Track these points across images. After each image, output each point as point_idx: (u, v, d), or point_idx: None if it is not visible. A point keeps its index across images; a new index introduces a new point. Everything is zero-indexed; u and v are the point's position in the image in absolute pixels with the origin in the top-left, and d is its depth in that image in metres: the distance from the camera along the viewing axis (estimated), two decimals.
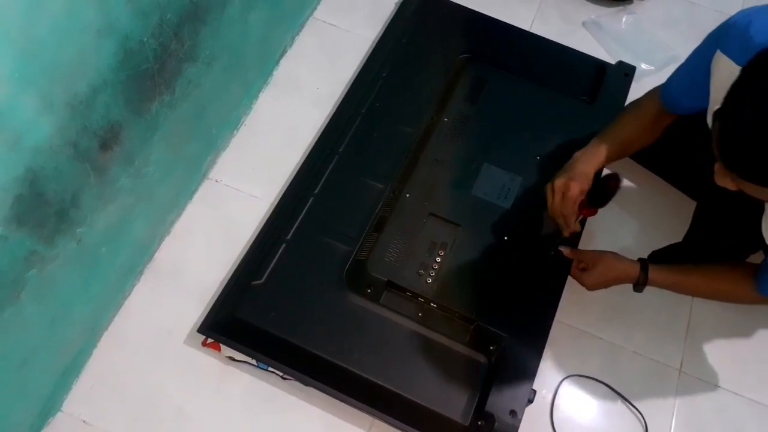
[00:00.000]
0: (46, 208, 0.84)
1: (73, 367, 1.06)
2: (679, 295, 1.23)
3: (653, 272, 1.06)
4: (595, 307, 1.21)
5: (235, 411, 1.08)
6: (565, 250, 1.12)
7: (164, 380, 1.09)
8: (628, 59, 1.42)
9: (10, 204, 0.77)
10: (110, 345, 1.10)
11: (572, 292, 1.18)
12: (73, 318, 1.00)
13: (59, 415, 1.05)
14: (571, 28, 1.53)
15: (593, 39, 1.52)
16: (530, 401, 1.06)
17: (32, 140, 0.77)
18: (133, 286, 1.15)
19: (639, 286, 1.08)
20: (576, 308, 1.19)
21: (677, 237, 1.15)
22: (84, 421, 1.05)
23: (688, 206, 1.26)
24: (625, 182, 1.33)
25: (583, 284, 1.11)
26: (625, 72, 1.38)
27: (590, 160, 1.03)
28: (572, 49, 1.43)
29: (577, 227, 1.07)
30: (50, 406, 1.03)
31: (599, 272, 1.08)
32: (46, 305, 0.91)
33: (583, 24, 1.54)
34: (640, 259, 1.08)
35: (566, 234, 1.07)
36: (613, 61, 1.42)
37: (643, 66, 1.46)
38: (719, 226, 1.02)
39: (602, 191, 1.00)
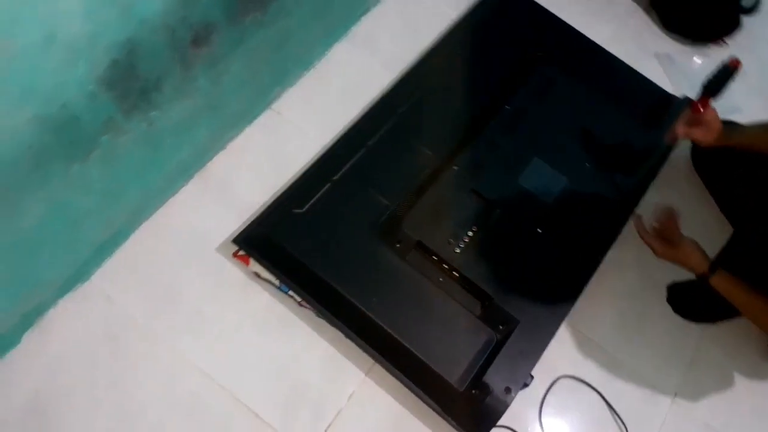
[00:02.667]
0: (133, 82, 0.89)
1: (110, 244, 1.11)
2: (689, 326, 1.26)
3: (717, 277, 1.05)
4: (606, 318, 1.24)
5: (248, 325, 1.12)
6: (664, 212, 1.11)
7: (190, 279, 1.13)
8: (692, 97, 1.44)
9: (107, 65, 0.83)
10: (148, 233, 1.15)
11: (588, 298, 1.21)
12: (124, 196, 1.05)
13: (86, 284, 1.10)
14: (642, 55, 1.55)
15: (660, 70, 1.54)
16: (526, 385, 1.09)
17: (140, 13, 0.83)
18: (182, 186, 1.20)
19: (699, 280, 1.08)
20: (588, 314, 1.22)
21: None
22: (108, 296, 1.10)
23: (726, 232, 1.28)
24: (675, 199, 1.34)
25: (653, 249, 1.12)
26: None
27: (731, 128, 1.12)
28: (643, 75, 1.46)
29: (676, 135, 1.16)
30: (81, 273, 1.08)
31: (675, 252, 1.10)
32: (107, 174, 0.96)
33: (656, 55, 1.57)
34: (713, 262, 1.07)
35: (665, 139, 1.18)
36: (677, 95, 1.44)
37: None
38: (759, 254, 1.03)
39: (721, 73, 1.10)
